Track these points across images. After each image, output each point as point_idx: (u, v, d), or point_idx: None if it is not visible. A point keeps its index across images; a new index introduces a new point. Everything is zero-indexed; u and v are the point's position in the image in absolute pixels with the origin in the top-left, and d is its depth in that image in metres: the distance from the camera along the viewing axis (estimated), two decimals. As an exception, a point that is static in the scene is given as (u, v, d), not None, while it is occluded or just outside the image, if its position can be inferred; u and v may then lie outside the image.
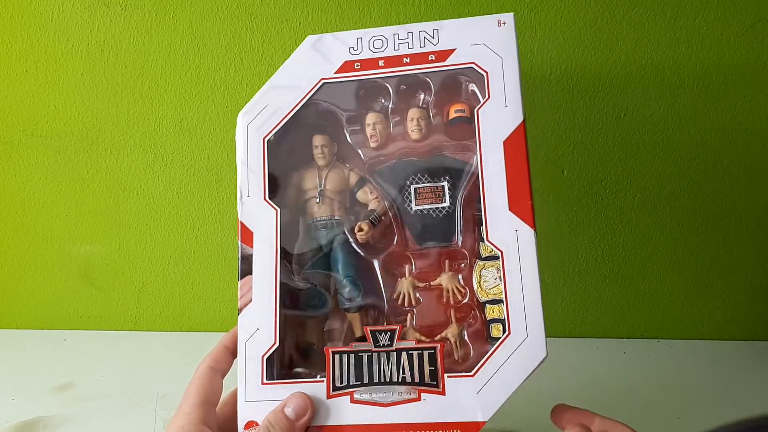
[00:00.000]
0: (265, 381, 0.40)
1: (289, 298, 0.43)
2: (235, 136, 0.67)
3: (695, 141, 0.63)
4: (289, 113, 0.44)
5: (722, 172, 0.64)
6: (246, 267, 0.42)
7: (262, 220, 0.43)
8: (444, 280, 0.44)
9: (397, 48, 0.44)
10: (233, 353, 0.42)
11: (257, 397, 0.40)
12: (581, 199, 0.65)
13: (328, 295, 0.45)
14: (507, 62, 0.42)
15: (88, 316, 0.73)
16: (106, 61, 0.66)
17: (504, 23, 0.43)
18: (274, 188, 0.44)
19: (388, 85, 0.46)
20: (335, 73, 0.44)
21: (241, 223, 0.43)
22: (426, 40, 0.44)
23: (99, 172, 0.69)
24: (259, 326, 0.41)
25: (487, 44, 0.43)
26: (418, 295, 0.44)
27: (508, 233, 0.40)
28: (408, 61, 0.44)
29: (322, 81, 0.44)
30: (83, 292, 0.72)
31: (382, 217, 0.45)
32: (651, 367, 0.62)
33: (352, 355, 0.40)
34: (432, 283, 0.44)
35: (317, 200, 0.46)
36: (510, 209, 0.40)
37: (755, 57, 0.61)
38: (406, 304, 0.44)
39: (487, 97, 0.42)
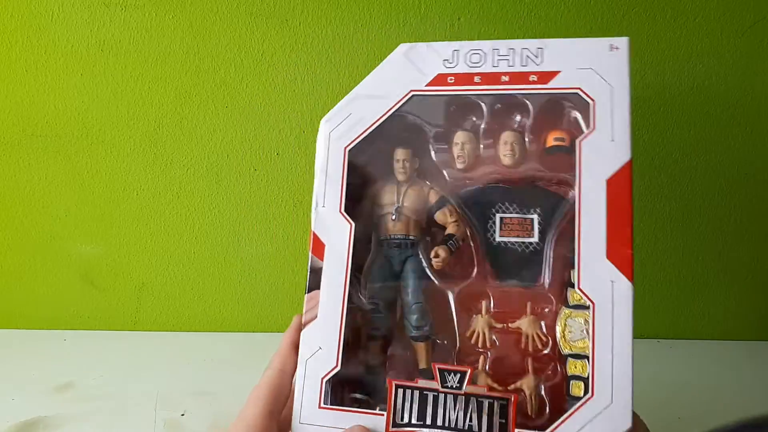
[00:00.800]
0: (322, 405, 0.38)
1: (355, 319, 0.41)
2: (233, 139, 0.68)
3: (694, 141, 0.63)
4: (373, 124, 0.42)
5: (721, 172, 0.64)
6: (314, 281, 0.40)
7: (336, 233, 0.41)
8: (524, 324, 0.40)
9: (495, 64, 0.40)
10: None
11: (313, 420, 0.38)
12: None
13: (394, 318, 0.43)
14: (617, 92, 0.38)
15: (88, 316, 0.73)
16: (106, 61, 0.66)
17: (617, 48, 0.39)
18: (350, 200, 0.41)
19: (482, 103, 0.42)
20: (426, 85, 0.41)
21: (314, 234, 0.41)
22: (528, 59, 0.40)
23: (99, 172, 0.69)
24: (321, 346, 0.39)
25: (596, 69, 0.39)
26: (494, 336, 0.41)
27: (603, 284, 0.36)
28: (506, 79, 0.40)
29: (412, 93, 0.41)
30: (83, 292, 0.72)
31: (461, 242, 0.42)
32: (651, 367, 0.62)
33: (416, 392, 0.37)
34: (510, 325, 0.41)
35: (393, 217, 0.43)
36: (607, 257, 0.36)
37: (755, 57, 0.61)
38: (479, 345, 0.41)
39: (591, 128, 0.38)
